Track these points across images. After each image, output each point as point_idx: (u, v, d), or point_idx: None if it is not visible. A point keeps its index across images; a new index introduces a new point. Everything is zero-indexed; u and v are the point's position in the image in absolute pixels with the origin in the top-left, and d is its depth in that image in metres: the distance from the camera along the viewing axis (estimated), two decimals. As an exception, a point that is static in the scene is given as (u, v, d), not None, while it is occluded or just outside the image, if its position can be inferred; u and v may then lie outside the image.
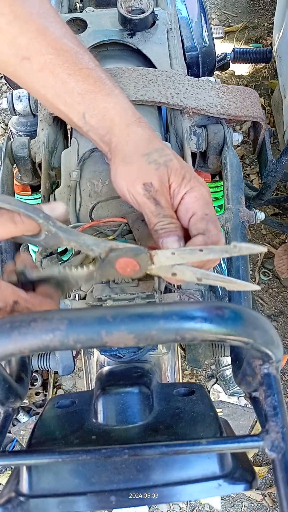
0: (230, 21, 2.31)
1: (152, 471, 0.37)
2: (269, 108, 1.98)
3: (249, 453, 1.35)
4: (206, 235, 0.43)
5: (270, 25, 2.25)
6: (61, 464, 0.37)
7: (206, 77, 0.77)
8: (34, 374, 1.45)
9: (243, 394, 1.08)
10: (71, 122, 0.53)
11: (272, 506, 1.29)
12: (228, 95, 0.73)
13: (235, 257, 0.59)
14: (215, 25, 2.17)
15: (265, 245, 1.71)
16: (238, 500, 1.32)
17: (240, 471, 0.38)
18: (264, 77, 2.11)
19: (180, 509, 1.30)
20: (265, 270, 1.67)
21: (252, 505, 1.30)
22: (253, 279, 1.65)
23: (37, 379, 1.44)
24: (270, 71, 2.10)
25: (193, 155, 0.73)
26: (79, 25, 0.81)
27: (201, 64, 0.86)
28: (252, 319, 0.33)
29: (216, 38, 1.55)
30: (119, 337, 0.31)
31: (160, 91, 0.69)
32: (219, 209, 0.81)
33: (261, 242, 1.72)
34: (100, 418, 0.42)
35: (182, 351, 0.67)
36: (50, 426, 0.43)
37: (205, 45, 0.86)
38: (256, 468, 1.33)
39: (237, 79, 2.14)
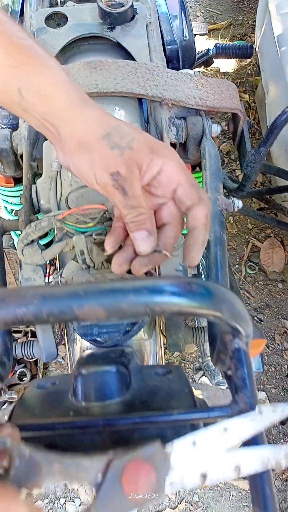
0: (215, 19, 2.33)
1: (128, 444, 0.38)
2: (254, 104, 2.01)
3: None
4: (202, 204, 0.43)
5: (254, 23, 2.27)
6: (37, 438, 0.38)
7: (185, 70, 0.78)
8: (23, 369, 1.46)
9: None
10: (8, 98, 0.47)
11: (259, 495, 1.32)
12: (206, 87, 0.74)
13: (212, 243, 0.61)
14: (199, 22, 2.19)
15: (251, 239, 1.73)
16: (226, 489, 1.33)
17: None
18: (249, 74, 2.14)
19: (169, 500, 1.32)
20: (251, 263, 1.69)
21: (240, 494, 1.32)
22: (239, 273, 1.68)
23: (25, 374, 1.44)
24: (255, 68, 2.13)
25: (173, 146, 0.74)
26: (60, 19, 0.82)
27: (181, 57, 0.87)
28: (220, 294, 0.35)
29: (200, 34, 1.57)
30: (90, 310, 0.32)
31: (139, 83, 0.70)
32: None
33: (247, 237, 1.74)
34: (79, 396, 0.43)
35: (164, 338, 0.69)
36: (29, 404, 0.44)
37: (185, 39, 0.88)
38: (243, 458, 1.35)
39: (222, 76, 2.16)
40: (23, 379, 1.44)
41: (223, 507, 1.31)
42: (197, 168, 0.81)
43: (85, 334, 0.57)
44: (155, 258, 0.45)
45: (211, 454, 0.33)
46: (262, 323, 1.58)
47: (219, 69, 2.16)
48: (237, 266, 1.69)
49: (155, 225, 0.44)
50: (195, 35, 1.53)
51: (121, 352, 0.51)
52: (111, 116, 0.46)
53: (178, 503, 1.31)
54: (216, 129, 0.74)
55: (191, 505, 1.31)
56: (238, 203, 0.65)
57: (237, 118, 0.79)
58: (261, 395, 1.46)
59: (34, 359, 1.50)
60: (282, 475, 1.34)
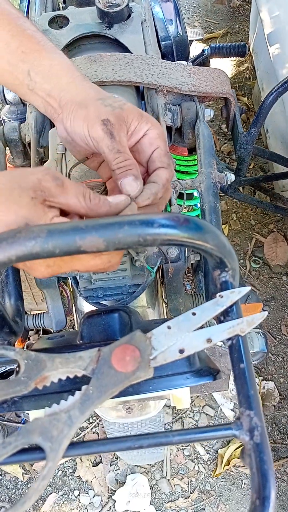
0: (212, 28, 2.42)
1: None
2: (252, 106, 2.07)
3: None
4: (168, 169, 0.49)
5: (251, 30, 2.36)
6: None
7: (179, 61, 0.84)
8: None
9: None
10: (16, 81, 0.54)
11: (271, 482, 1.32)
12: (199, 75, 0.80)
13: (207, 211, 0.65)
14: (196, 27, 2.27)
15: (255, 234, 1.77)
16: (238, 478, 1.34)
17: (205, 369, 0.43)
18: (246, 78, 2.21)
19: (182, 489, 1.33)
20: (256, 258, 1.72)
21: (252, 482, 1.33)
22: (244, 268, 1.71)
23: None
24: (252, 73, 2.20)
25: (169, 129, 0.79)
26: (62, 22, 0.89)
27: (175, 52, 0.93)
28: (206, 228, 0.39)
29: (196, 40, 1.64)
30: (90, 241, 0.37)
31: (136, 72, 0.76)
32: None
33: (250, 232, 1.78)
34: (85, 338, 0.47)
35: (166, 306, 0.72)
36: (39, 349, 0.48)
37: (179, 35, 0.94)
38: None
39: (221, 81, 2.23)
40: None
41: (235, 495, 1.31)
42: (194, 153, 0.86)
43: (91, 297, 0.61)
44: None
45: (185, 333, 0.38)
46: (269, 315, 1.61)
47: (218, 74, 2.24)
48: (242, 261, 1.73)
49: (140, 172, 0.48)
50: (192, 40, 1.61)
51: (124, 307, 0.55)
52: (104, 90, 0.52)
53: (190, 493, 1.32)
54: (209, 113, 0.79)
55: (204, 494, 1.32)
56: (231, 176, 0.69)
57: (229, 104, 0.84)
58: (270, 385, 1.47)
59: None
60: (293, 463, 1.35)
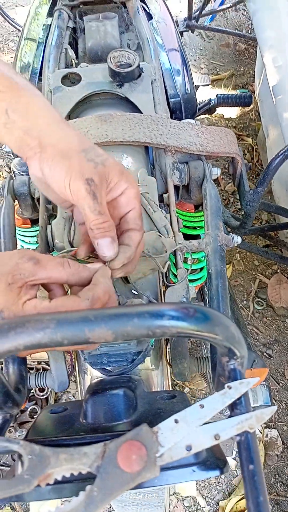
0: (218, 70, 2.49)
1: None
2: (256, 147, 2.10)
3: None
4: (140, 231, 0.52)
5: (255, 73, 2.42)
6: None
7: (187, 120, 0.86)
8: (34, 407, 1.47)
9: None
10: None
11: None
12: (206, 134, 0.82)
13: (214, 276, 0.65)
14: (203, 74, 2.34)
15: (258, 275, 1.76)
16: None
17: (212, 459, 0.42)
18: (251, 119, 2.26)
19: None
20: (259, 299, 1.71)
21: None
22: (247, 309, 1.70)
23: (37, 412, 1.45)
24: (257, 114, 2.25)
25: (177, 188, 0.80)
26: (74, 79, 0.92)
27: (183, 109, 0.96)
28: (215, 318, 0.39)
29: (203, 85, 1.68)
30: (99, 333, 0.37)
31: (145, 132, 0.77)
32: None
33: (254, 273, 1.78)
34: (89, 418, 0.46)
35: (171, 369, 0.71)
36: (42, 428, 0.47)
37: (187, 92, 0.96)
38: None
39: (226, 122, 2.28)
40: (34, 416, 1.45)
41: None
42: (200, 208, 0.87)
43: (95, 363, 0.61)
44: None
45: (192, 428, 0.37)
46: (272, 358, 1.58)
47: (223, 115, 2.29)
48: (245, 302, 1.72)
49: (116, 235, 0.50)
50: (198, 86, 1.65)
51: (128, 378, 0.54)
52: (86, 139, 0.53)
53: None
54: (216, 172, 0.81)
55: None
56: (237, 239, 0.70)
57: (236, 162, 0.86)
58: (273, 432, 1.44)
59: (45, 397, 1.51)
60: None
